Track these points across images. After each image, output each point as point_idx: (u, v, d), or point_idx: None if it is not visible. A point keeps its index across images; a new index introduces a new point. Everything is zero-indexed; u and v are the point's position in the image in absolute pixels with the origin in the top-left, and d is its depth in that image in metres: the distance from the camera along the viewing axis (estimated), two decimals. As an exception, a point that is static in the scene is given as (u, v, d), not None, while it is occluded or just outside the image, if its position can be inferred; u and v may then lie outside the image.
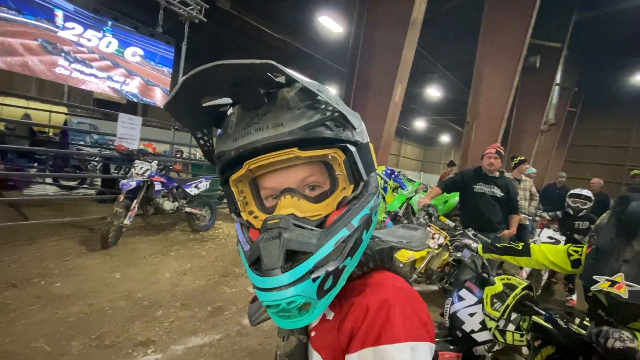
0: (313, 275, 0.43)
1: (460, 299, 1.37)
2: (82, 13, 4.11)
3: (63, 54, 4.04)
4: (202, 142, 0.57)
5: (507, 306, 1.19)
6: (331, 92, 0.50)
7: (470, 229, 3.16)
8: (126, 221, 3.70)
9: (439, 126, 28.00)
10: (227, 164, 0.51)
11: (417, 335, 0.45)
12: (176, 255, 3.78)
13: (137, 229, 4.45)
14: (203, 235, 4.71)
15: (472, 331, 1.27)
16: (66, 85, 7.35)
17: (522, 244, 1.60)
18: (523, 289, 1.24)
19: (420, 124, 28.15)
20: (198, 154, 9.69)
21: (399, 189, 5.52)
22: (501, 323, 1.18)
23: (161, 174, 4.31)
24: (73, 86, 5.00)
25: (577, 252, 1.43)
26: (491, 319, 1.22)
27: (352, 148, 0.48)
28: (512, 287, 1.25)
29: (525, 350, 1.26)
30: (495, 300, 1.21)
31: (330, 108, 0.47)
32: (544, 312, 1.18)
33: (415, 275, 3.04)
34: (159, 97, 5.35)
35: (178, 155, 9.02)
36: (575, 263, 1.41)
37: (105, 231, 3.54)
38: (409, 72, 6.52)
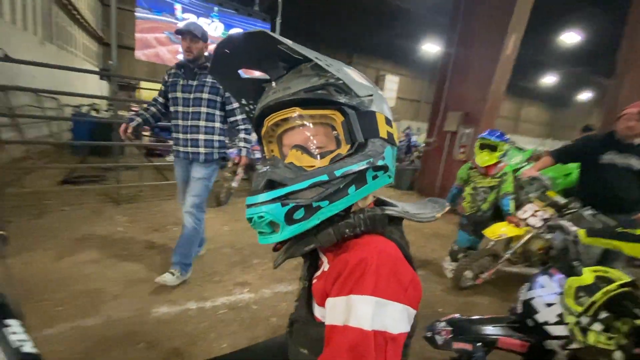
0: (283, 201, 0.51)
1: (540, 285, 1.20)
2: (194, 3, 4.76)
3: (183, 42, 4.83)
4: (247, 109, 0.69)
5: (594, 302, 0.99)
6: (344, 67, 0.57)
7: (589, 207, 2.61)
8: (234, 184, 4.37)
9: (575, 81, 22.51)
10: (256, 123, 0.62)
11: (388, 294, 0.47)
12: (272, 215, 4.28)
13: (244, 191, 5.16)
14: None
15: (546, 323, 1.11)
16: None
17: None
18: (622, 286, 1.00)
19: (548, 80, 23.20)
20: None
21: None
22: (584, 320, 1.00)
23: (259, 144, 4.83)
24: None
25: None
26: (571, 313, 1.04)
27: (351, 111, 0.53)
28: (607, 281, 1.03)
29: (618, 355, 1.04)
30: (581, 293, 1.02)
31: (329, 74, 0.52)
32: None
33: (507, 255, 2.72)
34: (257, 73, 5.85)
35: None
36: None
37: (217, 192, 4.26)
38: (527, 17, 5.37)
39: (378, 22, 15.01)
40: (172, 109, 2.39)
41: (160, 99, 2.45)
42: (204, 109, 2.32)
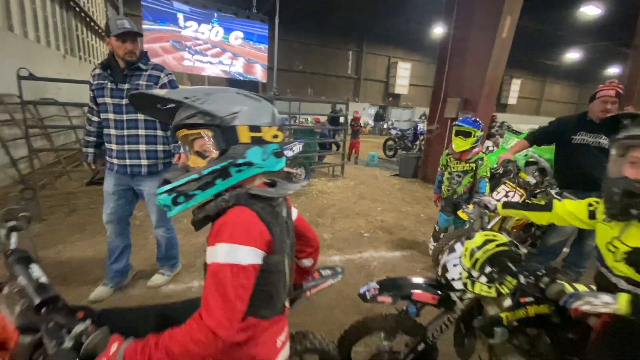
0: (169, 192, 0.80)
1: (453, 251, 1.44)
2: (195, 11, 5.09)
3: (187, 49, 5.20)
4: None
5: (477, 259, 1.22)
6: (219, 95, 0.83)
7: (555, 186, 2.76)
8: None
9: (601, 56, 21.31)
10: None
11: (238, 241, 0.76)
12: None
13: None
14: (297, 190, 5.48)
15: (453, 279, 1.36)
16: (185, 73, 9.07)
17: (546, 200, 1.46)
18: (500, 245, 1.23)
19: (572, 56, 22.09)
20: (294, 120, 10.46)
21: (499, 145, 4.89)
22: (475, 274, 1.23)
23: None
24: (196, 74, 6.29)
25: (597, 202, 1.32)
26: (464, 269, 1.28)
27: (215, 129, 0.80)
28: (491, 242, 1.25)
29: (507, 302, 1.28)
30: (473, 253, 1.26)
31: (197, 107, 0.79)
32: (521, 270, 1.17)
33: (482, 234, 2.90)
34: (259, 73, 6.17)
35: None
36: (592, 214, 1.32)
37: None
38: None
39: (387, 8, 14.84)
40: (102, 116, 2.10)
41: (95, 115, 2.18)
42: (141, 116, 2.07)
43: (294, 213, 1.08)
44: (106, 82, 2.04)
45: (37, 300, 0.70)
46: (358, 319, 1.55)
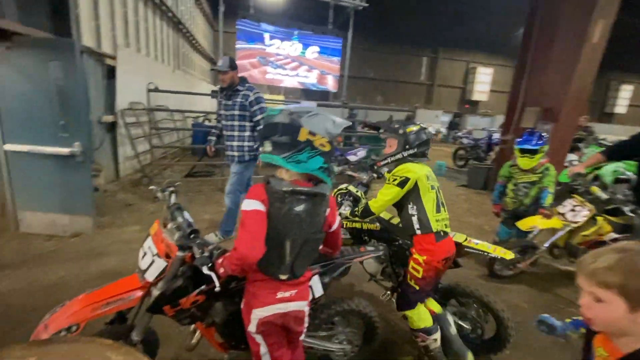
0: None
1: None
2: (279, 30, 5.80)
3: (269, 63, 5.94)
4: None
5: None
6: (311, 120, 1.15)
7: (629, 203, 2.58)
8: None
9: None
10: None
11: (251, 197, 1.11)
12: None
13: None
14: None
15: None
16: (265, 85, 10.00)
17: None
18: (340, 189, 2.05)
19: None
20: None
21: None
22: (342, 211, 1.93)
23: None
24: (275, 85, 7.07)
25: None
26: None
27: None
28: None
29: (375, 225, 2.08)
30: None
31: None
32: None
33: (544, 247, 2.83)
34: (330, 83, 6.67)
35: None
36: None
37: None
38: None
39: (464, 12, 14.27)
40: (222, 122, 3.30)
41: (218, 118, 3.41)
42: (236, 123, 3.12)
43: (336, 222, 1.33)
44: (221, 99, 3.23)
45: (188, 230, 1.18)
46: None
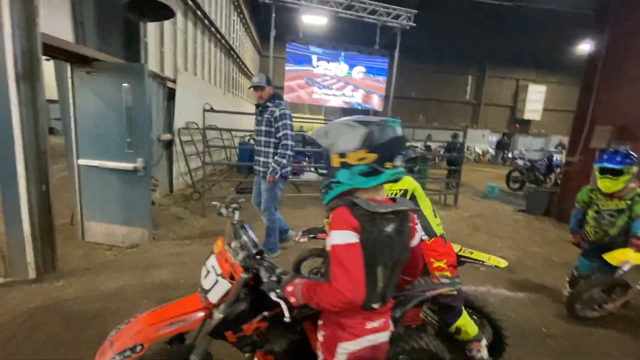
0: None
1: None
2: (326, 52, 5.92)
3: (316, 84, 6.05)
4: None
5: None
6: (331, 130, 1.06)
7: None
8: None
9: None
10: None
11: (340, 227, 0.97)
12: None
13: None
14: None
15: None
16: (306, 104, 10.18)
17: None
18: None
19: None
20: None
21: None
22: None
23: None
24: (320, 104, 7.16)
25: None
26: None
27: (325, 157, 1.06)
28: None
29: None
30: None
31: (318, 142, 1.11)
32: None
33: (639, 286, 2.40)
34: (375, 102, 6.61)
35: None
36: None
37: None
38: None
39: (513, 29, 13.68)
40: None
41: None
42: (263, 138, 3.15)
43: (416, 238, 1.23)
44: (257, 116, 3.25)
45: (254, 251, 1.11)
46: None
